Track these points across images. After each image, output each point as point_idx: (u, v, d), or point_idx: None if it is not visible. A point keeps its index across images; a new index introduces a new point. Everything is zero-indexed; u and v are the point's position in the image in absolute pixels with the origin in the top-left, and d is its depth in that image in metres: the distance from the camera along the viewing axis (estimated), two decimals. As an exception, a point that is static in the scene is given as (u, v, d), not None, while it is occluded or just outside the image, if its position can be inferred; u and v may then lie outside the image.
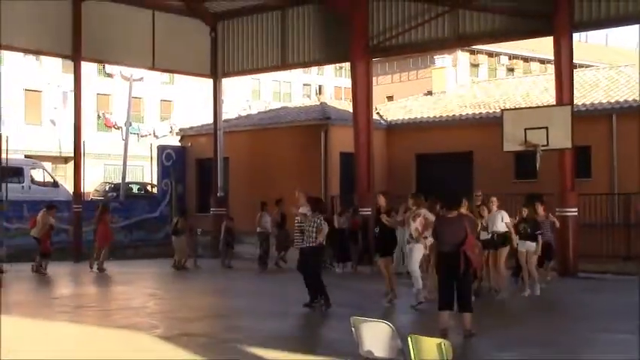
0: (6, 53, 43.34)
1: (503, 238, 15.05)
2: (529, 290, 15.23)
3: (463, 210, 12.03)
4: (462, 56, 59.49)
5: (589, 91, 26.79)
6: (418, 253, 13.71)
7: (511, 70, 63.05)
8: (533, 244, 15.35)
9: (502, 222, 14.96)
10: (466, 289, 10.76)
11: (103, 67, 48.66)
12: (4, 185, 24.66)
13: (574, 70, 20.29)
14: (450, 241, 10.54)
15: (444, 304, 10.63)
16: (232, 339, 11.03)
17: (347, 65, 43.38)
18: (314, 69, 63.50)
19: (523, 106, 25.55)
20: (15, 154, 34.83)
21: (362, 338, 7.11)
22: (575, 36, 22.69)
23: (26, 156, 40.52)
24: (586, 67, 38.19)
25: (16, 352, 9.81)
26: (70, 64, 26.16)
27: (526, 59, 64.01)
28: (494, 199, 15.39)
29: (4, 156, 28.15)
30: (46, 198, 27.38)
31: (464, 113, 28.30)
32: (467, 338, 10.56)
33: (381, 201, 14.49)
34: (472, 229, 10.93)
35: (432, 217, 13.15)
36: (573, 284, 17.66)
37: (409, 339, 6.51)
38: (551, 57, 20.60)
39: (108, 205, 24.35)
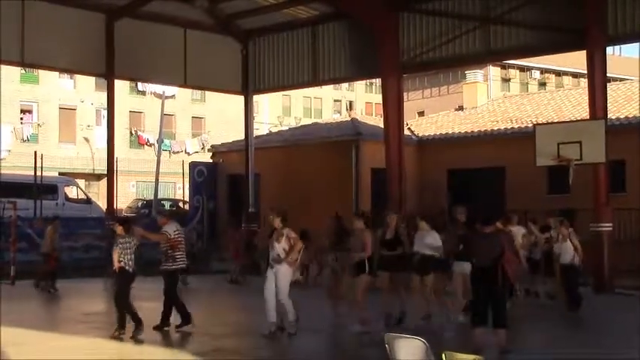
0: (41, 72, 44.07)
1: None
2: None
3: (499, 225, 11.91)
4: (494, 71, 59.38)
5: (623, 104, 26.53)
6: (286, 279, 12.31)
7: (543, 84, 62.73)
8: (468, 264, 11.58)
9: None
10: (501, 305, 10.64)
11: (135, 85, 49.18)
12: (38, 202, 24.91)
13: (607, 84, 20.09)
14: (486, 256, 10.45)
15: (478, 319, 10.54)
16: (263, 357, 11.00)
17: (377, 81, 43.49)
18: (344, 85, 63.62)
19: (555, 120, 25.35)
20: (49, 172, 35.28)
21: (395, 355, 7.05)
22: (609, 49, 22.50)
23: (60, 173, 41.06)
24: (619, 80, 37.84)
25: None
26: (103, 82, 26.44)
27: (558, 73, 63.66)
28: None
29: (38, 173, 28.63)
30: (80, 215, 27.62)
31: (495, 128, 28.15)
32: (502, 355, 10.44)
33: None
34: (509, 245, 10.84)
35: (294, 236, 12.35)
36: (609, 300, 17.40)
37: (443, 356, 6.46)
38: (584, 71, 20.41)
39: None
